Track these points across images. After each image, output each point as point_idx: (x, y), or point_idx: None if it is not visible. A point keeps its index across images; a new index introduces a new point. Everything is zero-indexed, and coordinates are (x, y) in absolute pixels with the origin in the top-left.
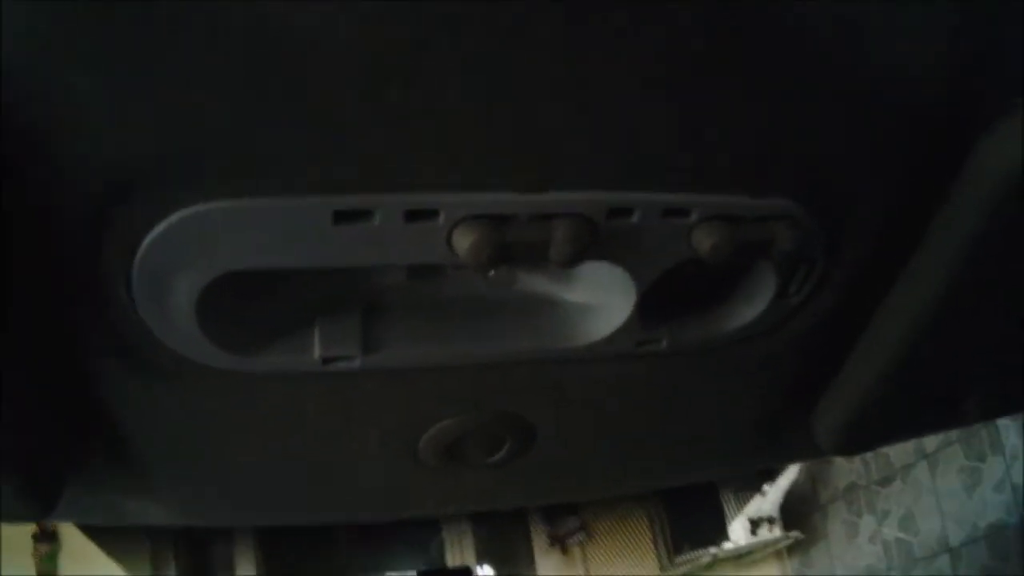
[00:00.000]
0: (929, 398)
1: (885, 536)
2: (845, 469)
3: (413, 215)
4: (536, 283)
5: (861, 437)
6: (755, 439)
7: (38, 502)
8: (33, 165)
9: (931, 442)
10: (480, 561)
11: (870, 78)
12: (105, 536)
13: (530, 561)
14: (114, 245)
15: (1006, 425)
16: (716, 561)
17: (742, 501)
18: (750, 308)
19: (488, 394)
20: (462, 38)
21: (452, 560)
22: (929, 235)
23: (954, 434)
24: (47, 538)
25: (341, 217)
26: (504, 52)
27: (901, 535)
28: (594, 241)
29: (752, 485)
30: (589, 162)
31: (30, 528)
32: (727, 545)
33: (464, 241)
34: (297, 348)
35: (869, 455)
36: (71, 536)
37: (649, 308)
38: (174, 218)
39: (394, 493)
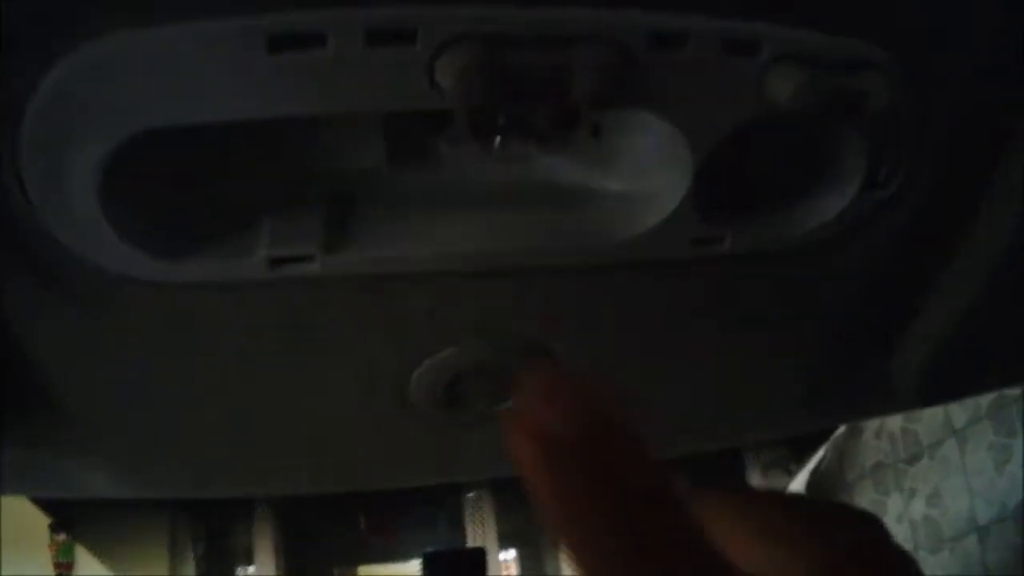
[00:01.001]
0: (1013, 342)
1: (912, 515)
2: (872, 447)
3: (379, 36)
4: (559, 167)
5: (939, 382)
6: (824, 385)
7: None
8: None
9: (960, 418)
10: (504, 545)
11: None
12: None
13: (554, 544)
14: None
15: None
16: None
17: (770, 481)
18: (834, 200)
19: (497, 316)
20: None
21: (475, 543)
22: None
23: (983, 410)
24: (63, 527)
25: (279, 43)
26: None
27: (929, 513)
28: (630, 79)
29: (781, 465)
30: None
31: (46, 519)
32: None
33: (450, 69)
34: (239, 248)
35: (897, 432)
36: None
37: (707, 198)
38: (69, 59)
39: (382, 452)
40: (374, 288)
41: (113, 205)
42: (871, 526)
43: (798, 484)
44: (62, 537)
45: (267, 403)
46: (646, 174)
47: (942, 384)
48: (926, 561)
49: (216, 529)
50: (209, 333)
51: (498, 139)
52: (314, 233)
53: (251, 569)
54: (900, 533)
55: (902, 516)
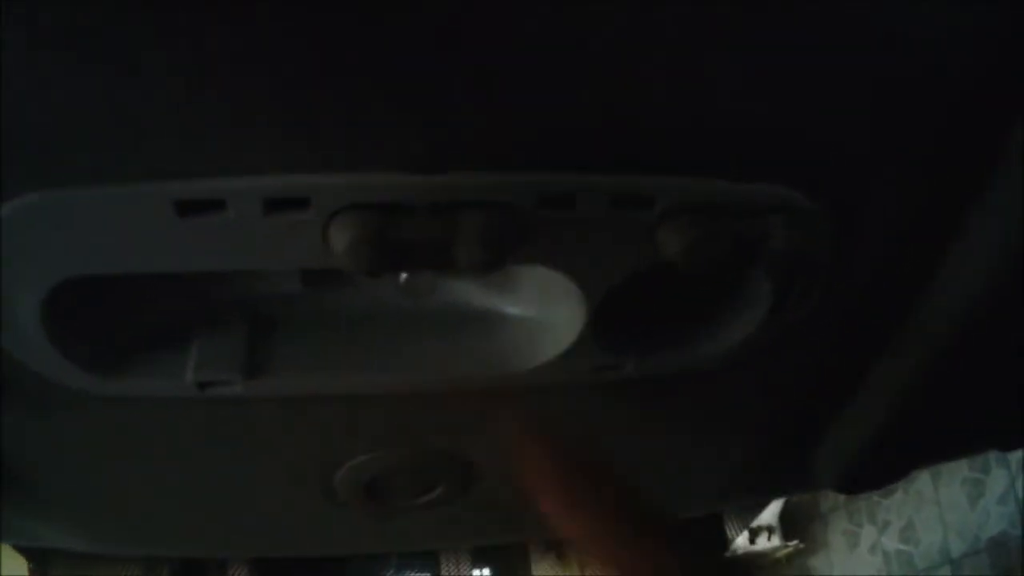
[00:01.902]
0: (947, 429)
1: (886, 547)
2: None
3: (275, 204)
4: (464, 292)
5: (873, 474)
6: (744, 477)
7: None
8: None
9: None
10: (476, 565)
11: (894, 43)
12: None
13: (526, 565)
14: None
15: None
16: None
17: (743, 510)
18: (738, 327)
19: (408, 430)
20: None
21: (447, 564)
22: (961, 236)
23: None
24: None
25: (185, 208)
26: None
27: (902, 546)
28: (520, 238)
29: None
30: (508, 130)
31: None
32: (726, 554)
33: (342, 238)
34: (169, 370)
35: None
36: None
37: (610, 324)
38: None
39: (313, 530)
40: (295, 405)
41: (56, 330)
42: None
43: (770, 514)
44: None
45: (200, 487)
46: (546, 305)
47: (861, 478)
48: None
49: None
50: (142, 435)
51: (402, 274)
52: (236, 359)
53: None
54: (873, 565)
55: (875, 547)
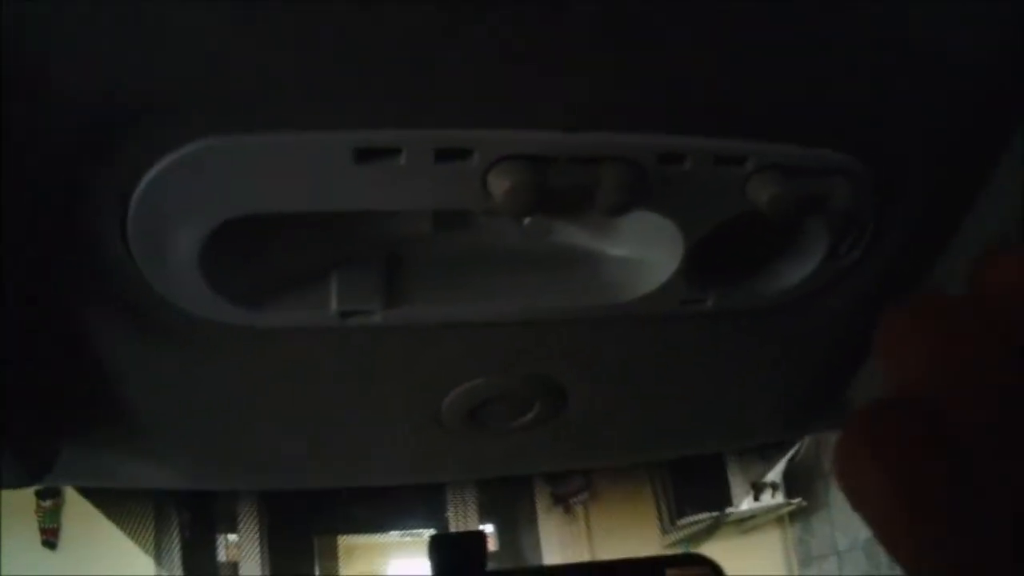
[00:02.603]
0: None
1: None
2: None
3: (444, 154)
4: (574, 234)
5: None
6: (792, 409)
7: (30, 468)
8: (9, 99)
9: None
10: (483, 519)
11: (933, 29)
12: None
13: (533, 519)
14: (106, 190)
15: None
16: (717, 525)
17: (747, 467)
18: (799, 268)
19: (518, 354)
20: None
21: (455, 517)
22: (981, 202)
23: None
24: (49, 494)
25: (363, 155)
26: None
27: None
28: (642, 188)
29: (759, 453)
30: (639, 101)
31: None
32: (730, 510)
33: (501, 184)
34: (313, 301)
35: None
36: (75, 492)
37: (694, 265)
38: (174, 156)
39: (414, 457)
40: (420, 332)
41: (210, 268)
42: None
43: (774, 472)
44: (48, 503)
45: (319, 417)
46: (646, 247)
47: None
48: None
49: (200, 497)
50: (279, 365)
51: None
52: (374, 291)
53: (233, 537)
54: None
55: None
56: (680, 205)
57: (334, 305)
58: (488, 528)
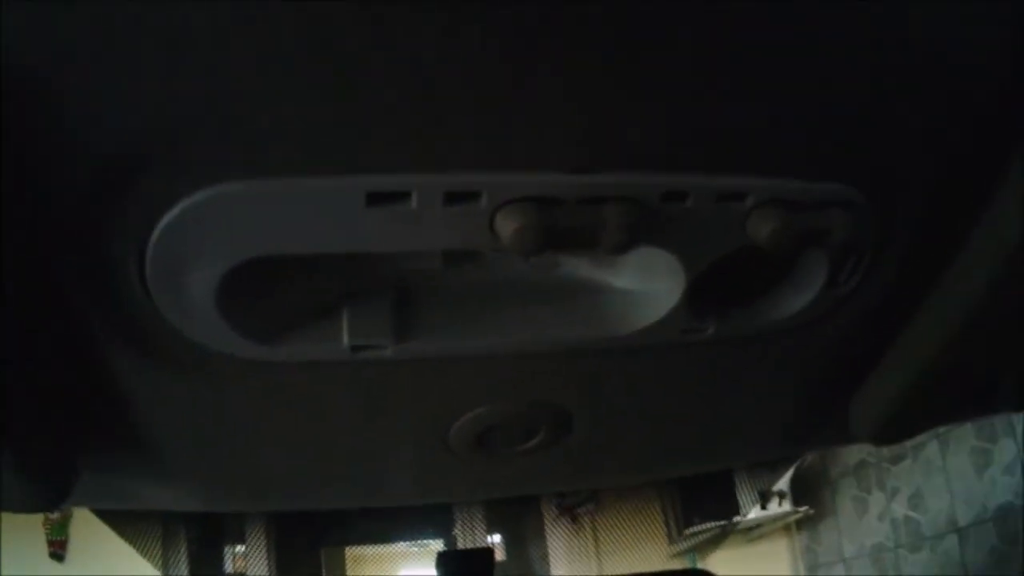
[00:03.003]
0: (969, 387)
1: (894, 513)
2: (856, 446)
3: (453, 197)
4: (579, 268)
5: (899, 426)
6: (793, 427)
7: (49, 493)
8: (32, 142)
9: None
10: (490, 530)
11: (928, 60)
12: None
13: (540, 531)
14: (125, 231)
15: None
16: (725, 535)
17: (754, 476)
18: (799, 297)
19: (524, 383)
20: (500, 7)
21: (461, 529)
22: (979, 226)
23: None
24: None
25: (375, 199)
26: (551, 27)
27: (910, 513)
28: (647, 227)
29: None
30: (642, 141)
31: None
32: (737, 519)
33: (508, 226)
34: (324, 336)
35: None
36: None
37: (695, 296)
38: (191, 199)
39: (422, 481)
40: (429, 364)
41: (226, 305)
42: None
43: (782, 480)
44: (56, 515)
45: (328, 444)
46: (648, 280)
47: (893, 427)
48: (907, 559)
49: (208, 512)
50: (291, 397)
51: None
52: (385, 325)
53: (240, 549)
54: (881, 531)
55: (883, 514)
56: (682, 241)
57: (345, 340)
58: (495, 539)
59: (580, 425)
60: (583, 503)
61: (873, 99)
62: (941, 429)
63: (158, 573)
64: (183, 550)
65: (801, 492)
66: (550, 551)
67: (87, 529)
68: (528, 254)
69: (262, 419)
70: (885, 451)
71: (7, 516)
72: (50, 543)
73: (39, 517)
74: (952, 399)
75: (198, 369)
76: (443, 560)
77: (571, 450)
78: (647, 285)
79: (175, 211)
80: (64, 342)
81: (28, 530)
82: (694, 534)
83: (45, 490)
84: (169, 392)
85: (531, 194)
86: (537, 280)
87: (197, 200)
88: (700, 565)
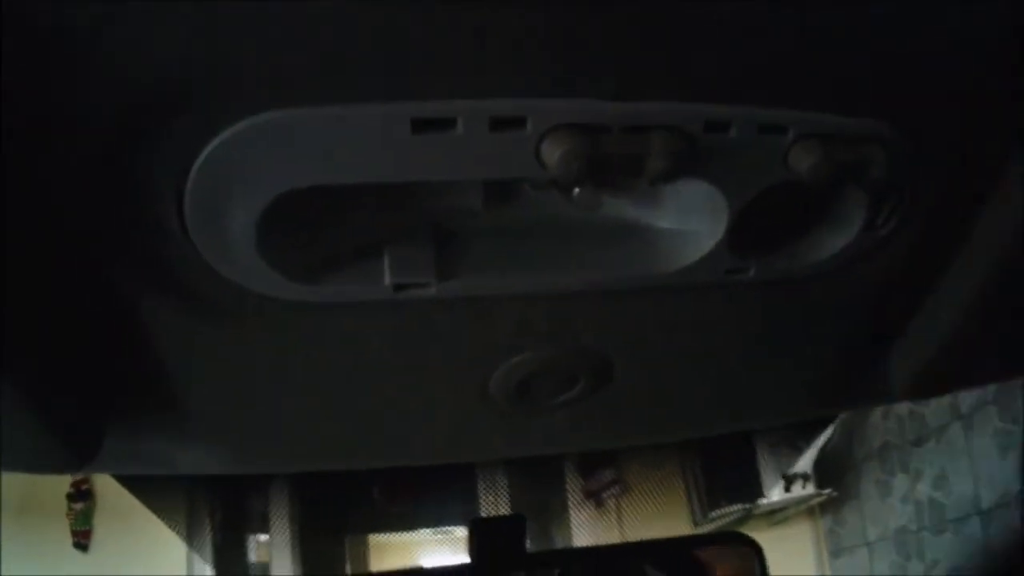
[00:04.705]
0: (1003, 343)
1: (918, 496)
2: (880, 428)
3: (499, 123)
4: (622, 207)
5: (938, 379)
6: (832, 381)
7: (75, 452)
8: (69, 76)
9: (966, 403)
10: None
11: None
12: (141, 488)
13: (565, 515)
14: (164, 165)
15: None
16: (749, 517)
17: (779, 458)
18: (838, 238)
19: (565, 327)
20: None
21: (486, 514)
22: (1011, 172)
23: (989, 395)
24: (81, 497)
25: (420, 126)
26: None
27: (934, 495)
28: (690, 156)
29: (789, 443)
30: (686, 72)
31: (64, 488)
32: (761, 501)
33: (554, 152)
34: (366, 275)
35: (904, 414)
36: (106, 494)
37: (738, 236)
38: (233, 130)
39: (460, 434)
40: (470, 305)
41: (266, 243)
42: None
43: (805, 462)
44: (79, 506)
45: (368, 393)
46: (691, 217)
47: (933, 382)
48: (930, 541)
49: (232, 497)
50: (331, 341)
51: (577, 189)
52: (427, 264)
53: (264, 538)
54: (905, 513)
55: (907, 496)
56: (725, 173)
57: (388, 278)
58: None
59: (621, 373)
60: (608, 487)
61: (911, 35)
62: (964, 410)
63: (182, 562)
64: (208, 540)
65: (825, 474)
66: (574, 535)
67: (111, 520)
68: (573, 182)
69: (301, 366)
70: (909, 433)
71: (32, 507)
72: (74, 533)
73: (63, 508)
74: (992, 352)
75: (234, 313)
76: (476, 527)
77: (610, 401)
78: (690, 224)
79: (215, 143)
80: (96, 291)
81: (52, 519)
82: (718, 517)
83: (70, 449)
84: (202, 340)
85: (576, 121)
86: (579, 220)
87: (238, 131)
88: None
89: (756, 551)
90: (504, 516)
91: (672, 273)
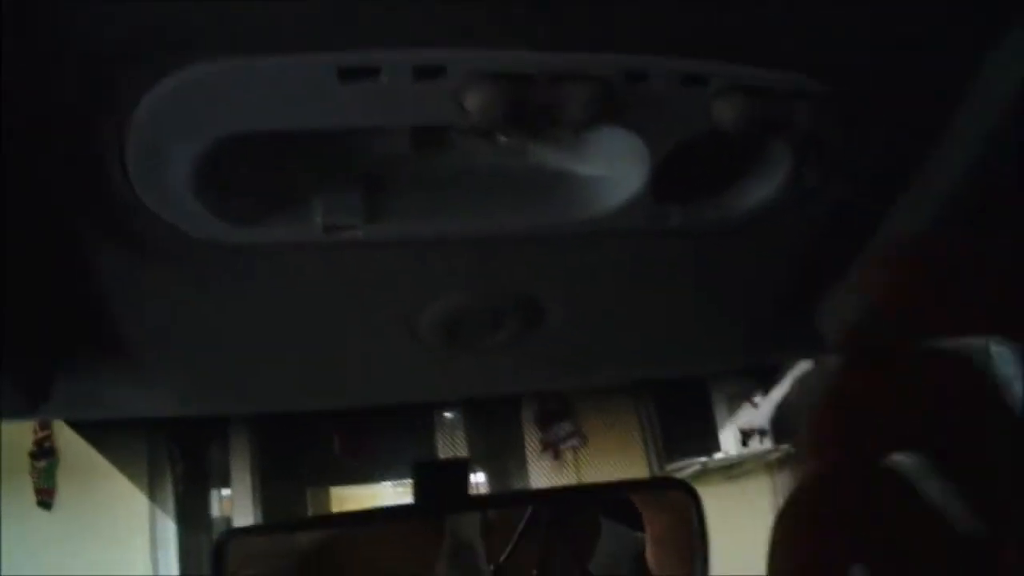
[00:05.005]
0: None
1: None
2: None
3: (421, 71)
4: (547, 155)
5: (869, 336)
6: (764, 331)
7: (26, 396)
8: (15, 32)
9: None
10: (473, 466)
11: None
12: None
13: (523, 466)
14: (106, 113)
15: (999, 352)
16: (706, 471)
17: (736, 414)
18: (764, 188)
19: (495, 271)
20: None
21: None
22: (947, 130)
23: None
24: (44, 454)
25: (347, 74)
26: None
27: None
28: (610, 105)
29: (746, 398)
30: (607, 23)
31: (26, 446)
32: (718, 455)
33: (475, 100)
34: (298, 218)
35: None
36: (69, 451)
37: (663, 186)
38: (171, 80)
39: (396, 375)
40: (399, 248)
41: (204, 187)
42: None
43: (763, 417)
44: (42, 463)
45: (304, 335)
46: (615, 165)
47: (864, 338)
48: None
49: (193, 452)
50: (266, 283)
51: (503, 136)
52: (358, 207)
53: (227, 492)
54: None
55: None
56: (647, 122)
57: (319, 220)
58: (479, 475)
59: (552, 316)
60: (566, 439)
61: None
62: None
63: (145, 520)
64: (169, 493)
65: (782, 430)
66: (533, 486)
67: (74, 478)
68: (494, 128)
69: (239, 309)
70: None
71: None
72: (38, 491)
73: (26, 466)
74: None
75: (176, 256)
76: (419, 470)
77: (544, 344)
78: (613, 171)
79: (154, 92)
80: (44, 235)
81: (16, 477)
82: (676, 470)
83: (21, 392)
84: (147, 282)
85: (496, 70)
86: (506, 167)
87: (176, 80)
88: None
89: (692, 496)
90: (446, 459)
91: (596, 220)
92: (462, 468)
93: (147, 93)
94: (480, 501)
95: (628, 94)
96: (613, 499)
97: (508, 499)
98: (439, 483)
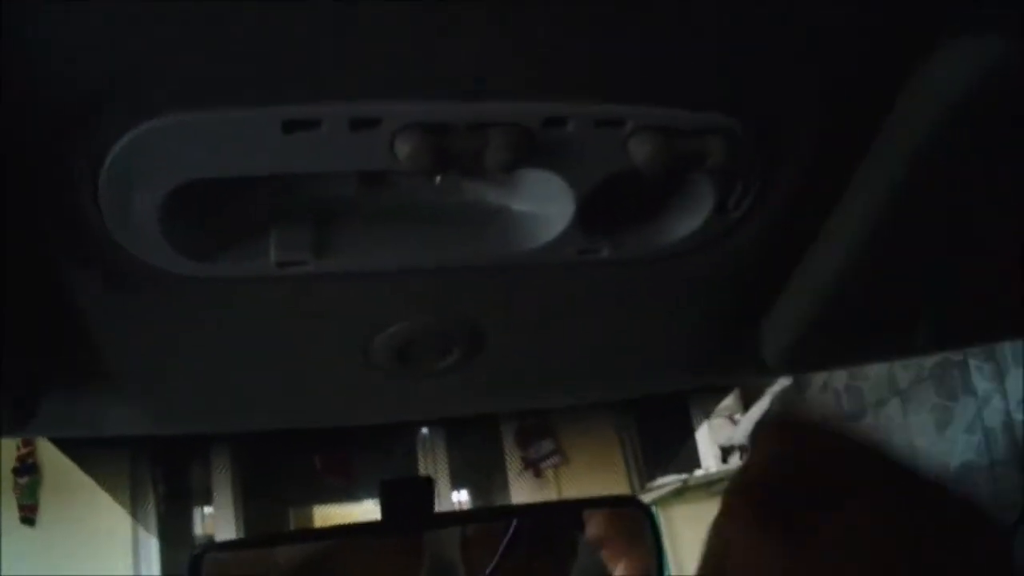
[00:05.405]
0: (876, 323)
1: None
2: (817, 402)
3: (357, 123)
4: (482, 192)
5: (808, 355)
6: (703, 354)
7: (16, 414)
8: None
9: (904, 378)
10: (455, 486)
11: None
12: (84, 459)
13: (504, 485)
14: (83, 158)
15: (978, 367)
16: (687, 488)
17: (715, 431)
18: (689, 221)
19: (439, 299)
20: None
21: None
22: (871, 156)
23: (926, 370)
24: (27, 470)
25: (290, 126)
26: None
27: None
28: (530, 149)
29: (725, 415)
30: (525, 73)
31: (9, 462)
32: (698, 472)
33: (405, 148)
34: (255, 253)
35: (841, 389)
36: (52, 468)
37: (593, 220)
38: (138, 131)
39: (350, 398)
40: (349, 280)
41: (168, 226)
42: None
43: (742, 434)
44: (25, 480)
45: (264, 361)
46: (543, 202)
47: (803, 358)
48: None
49: (175, 470)
50: (227, 313)
51: (438, 176)
52: (308, 244)
53: (209, 510)
54: None
55: None
56: (566, 162)
57: (273, 256)
58: (462, 494)
59: (493, 343)
60: (547, 457)
61: (746, 30)
62: (902, 385)
63: (128, 536)
64: (151, 511)
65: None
66: (514, 504)
67: (57, 494)
68: (424, 172)
69: (203, 336)
70: (846, 407)
71: None
72: (21, 508)
73: (9, 483)
74: (860, 332)
75: (144, 287)
76: (386, 489)
77: (489, 368)
78: (542, 207)
79: (123, 141)
80: (24, 265)
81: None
82: (657, 487)
83: (8, 411)
84: (120, 310)
85: (424, 120)
86: (445, 204)
87: (141, 132)
88: (663, 518)
89: (647, 514)
90: (412, 477)
91: (530, 253)
92: (428, 486)
93: (116, 143)
94: (445, 518)
95: (547, 138)
96: (568, 515)
97: (472, 516)
98: (405, 501)
